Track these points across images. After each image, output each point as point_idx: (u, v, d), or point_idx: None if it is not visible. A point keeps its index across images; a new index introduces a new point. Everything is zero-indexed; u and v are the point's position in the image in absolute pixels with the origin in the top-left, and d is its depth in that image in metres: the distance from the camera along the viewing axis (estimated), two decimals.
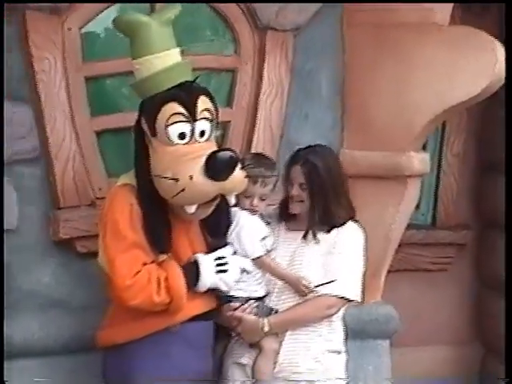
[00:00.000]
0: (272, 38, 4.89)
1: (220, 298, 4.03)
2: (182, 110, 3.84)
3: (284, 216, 4.27)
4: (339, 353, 4.20)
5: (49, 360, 4.49)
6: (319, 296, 4.03)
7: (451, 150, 6.84)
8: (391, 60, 4.98)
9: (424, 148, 6.44)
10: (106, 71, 4.66)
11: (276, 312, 4.05)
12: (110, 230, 3.99)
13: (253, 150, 4.87)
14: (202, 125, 3.87)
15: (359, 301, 4.21)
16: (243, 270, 4.12)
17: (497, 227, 6.76)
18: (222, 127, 4.88)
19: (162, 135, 3.85)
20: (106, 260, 4.02)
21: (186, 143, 3.86)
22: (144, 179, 3.94)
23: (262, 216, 4.24)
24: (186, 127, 3.85)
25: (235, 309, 4.00)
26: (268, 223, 4.22)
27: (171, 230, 4.01)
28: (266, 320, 3.96)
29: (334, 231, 4.12)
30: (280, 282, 4.09)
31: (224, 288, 4.07)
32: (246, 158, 4.18)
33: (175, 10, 4.02)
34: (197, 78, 4.08)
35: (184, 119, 3.84)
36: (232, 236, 4.07)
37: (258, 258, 4.03)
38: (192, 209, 3.90)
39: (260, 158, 4.26)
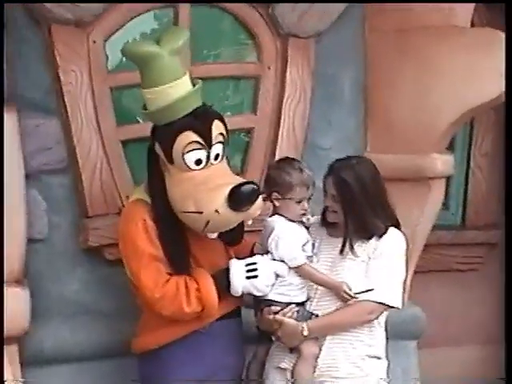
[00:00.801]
0: (294, 44, 4.88)
1: (261, 301, 4.05)
2: (197, 138, 3.92)
3: (325, 222, 4.21)
4: (379, 358, 4.15)
5: (79, 366, 4.54)
6: (359, 302, 3.98)
7: (479, 149, 6.87)
8: (412, 63, 5.00)
9: (452, 148, 6.52)
10: (130, 81, 4.61)
11: (316, 316, 4.01)
12: (129, 246, 4.09)
13: (277, 156, 4.87)
14: (217, 149, 3.98)
15: (399, 307, 4.15)
16: (277, 275, 4.09)
17: None
18: (245, 138, 4.99)
19: (179, 162, 3.94)
20: (131, 274, 4.11)
21: (203, 168, 3.96)
22: (159, 200, 4.03)
23: (302, 222, 4.22)
24: (202, 154, 3.95)
25: (276, 312, 3.98)
26: (307, 228, 4.21)
27: (189, 247, 4.09)
28: (305, 324, 3.92)
29: (374, 239, 4.06)
30: (321, 288, 4.05)
31: (256, 293, 4.09)
32: (295, 162, 4.19)
33: (184, 36, 4.06)
34: (211, 106, 4.14)
35: (200, 147, 3.93)
36: (271, 245, 4.05)
37: (299, 266, 4.00)
38: (214, 235, 4.08)
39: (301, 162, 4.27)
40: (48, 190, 4.52)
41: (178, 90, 3.94)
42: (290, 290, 4.05)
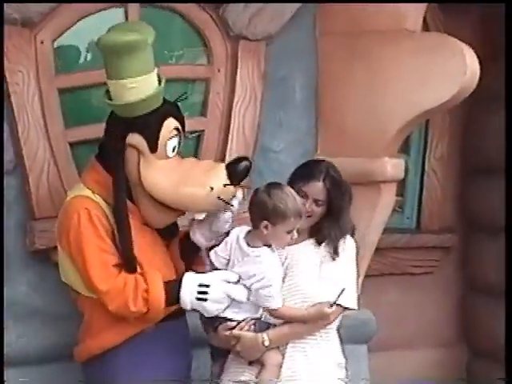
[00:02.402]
0: (244, 46, 4.93)
1: (214, 319, 3.95)
2: (178, 124, 4.04)
3: None
4: (340, 364, 4.14)
5: (28, 369, 4.48)
6: (317, 305, 3.93)
7: (434, 153, 6.96)
8: (363, 67, 5.04)
9: (407, 152, 6.60)
10: (79, 83, 4.68)
11: (274, 326, 3.95)
12: (73, 240, 4.02)
13: (227, 158, 4.84)
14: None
15: (356, 309, 4.16)
16: (232, 299, 4.01)
17: (482, 230, 6.96)
18: (195, 140, 5.00)
19: (161, 149, 3.98)
20: (80, 269, 4.04)
21: (175, 156, 4.05)
22: (120, 195, 4.00)
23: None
24: (176, 141, 4.05)
25: (232, 328, 3.90)
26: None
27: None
28: (265, 334, 3.88)
29: (324, 245, 4.05)
30: None
31: (205, 314, 4.04)
32: (286, 189, 3.93)
33: (152, 30, 4.07)
34: (184, 94, 4.26)
35: (178, 133, 4.05)
36: (254, 284, 3.85)
37: (275, 310, 3.87)
38: (201, 216, 4.21)
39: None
40: None
41: (153, 81, 4.01)
42: (245, 309, 3.95)
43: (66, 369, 4.51)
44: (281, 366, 3.91)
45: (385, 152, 5.10)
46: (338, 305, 3.91)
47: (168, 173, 4.00)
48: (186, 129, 4.77)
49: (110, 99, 4.06)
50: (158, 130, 3.96)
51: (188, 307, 4.03)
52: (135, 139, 3.96)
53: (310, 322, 3.91)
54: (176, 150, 4.08)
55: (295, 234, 3.88)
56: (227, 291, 3.99)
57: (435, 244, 6.92)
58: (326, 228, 4.02)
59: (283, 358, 3.94)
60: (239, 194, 4.10)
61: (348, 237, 4.10)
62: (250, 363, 3.93)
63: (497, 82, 5.89)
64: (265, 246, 3.89)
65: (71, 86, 4.70)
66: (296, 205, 3.81)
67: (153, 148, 3.96)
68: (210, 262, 4.05)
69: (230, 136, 4.95)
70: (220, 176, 3.99)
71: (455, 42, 4.86)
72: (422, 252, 6.88)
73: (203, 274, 4.07)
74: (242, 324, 3.89)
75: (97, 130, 4.52)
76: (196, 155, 4.94)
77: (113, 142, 4.05)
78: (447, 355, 6.96)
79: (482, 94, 5.15)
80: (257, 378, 3.92)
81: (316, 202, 3.97)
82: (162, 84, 4.07)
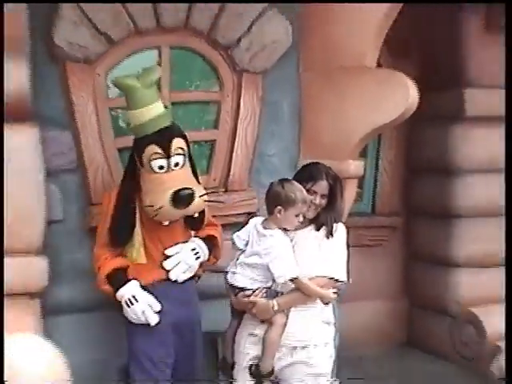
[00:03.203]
0: (247, 78, 4.91)
1: (235, 288, 3.91)
2: (159, 150, 3.95)
3: None
4: (329, 324, 4.05)
5: (85, 315, 4.59)
6: (316, 278, 3.86)
7: (386, 157, 7.00)
8: (334, 94, 4.99)
9: (365, 156, 6.63)
10: (124, 104, 4.46)
11: (281, 294, 3.87)
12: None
13: (233, 163, 4.95)
14: (176, 159, 3.99)
15: (346, 281, 4.02)
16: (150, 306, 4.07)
17: (420, 214, 7.00)
18: (209, 147, 5.01)
19: (146, 166, 3.98)
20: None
21: (165, 172, 3.98)
22: (127, 190, 4.10)
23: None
24: (163, 162, 3.96)
25: (249, 295, 3.87)
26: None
27: (133, 230, 4.14)
28: (275, 301, 3.80)
29: (323, 229, 3.96)
30: None
31: (125, 314, 4.08)
32: (295, 183, 3.92)
33: (156, 74, 4.09)
34: (174, 124, 4.14)
35: (161, 156, 3.95)
36: (269, 258, 3.80)
37: (295, 278, 3.78)
38: (166, 223, 4.10)
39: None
40: (63, 185, 4.56)
41: (150, 112, 3.97)
42: (259, 280, 3.89)
43: (106, 316, 4.56)
44: (285, 325, 3.85)
45: (349, 156, 5.07)
46: (331, 278, 3.87)
47: (145, 185, 4.03)
48: (204, 138, 4.98)
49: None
50: (141, 153, 3.99)
51: (119, 299, 4.06)
52: (135, 156, 4.07)
53: (313, 296, 3.86)
54: (165, 167, 4.00)
55: (301, 218, 3.84)
56: (144, 311, 4.02)
57: (385, 224, 6.96)
58: (324, 216, 3.94)
59: (287, 319, 3.86)
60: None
61: (340, 223, 4.03)
62: (262, 322, 3.88)
63: (432, 106, 5.93)
64: (278, 229, 3.85)
65: (118, 107, 4.71)
66: (302, 194, 3.80)
67: (141, 164, 4.01)
68: (233, 242, 3.99)
69: (235, 144, 4.94)
70: (163, 199, 3.94)
71: (401, 76, 4.84)
72: (376, 230, 6.91)
73: (141, 291, 4.06)
74: (257, 292, 3.84)
75: None
76: (210, 158, 4.99)
77: (130, 157, 4.18)
78: (394, 305, 7.00)
79: (420, 114, 5.11)
80: (266, 333, 3.87)
81: (322, 196, 3.92)
82: (146, 118, 4.01)
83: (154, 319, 4.04)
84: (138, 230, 4.14)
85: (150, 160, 3.96)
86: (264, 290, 3.85)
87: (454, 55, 6.35)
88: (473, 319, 6.20)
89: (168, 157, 3.96)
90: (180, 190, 3.91)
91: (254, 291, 3.86)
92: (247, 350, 3.98)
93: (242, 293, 3.89)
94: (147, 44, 4.70)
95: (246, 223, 4.03)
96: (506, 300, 4.26)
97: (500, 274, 6.31)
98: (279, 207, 3.80)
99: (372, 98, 4.87)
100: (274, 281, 3.83)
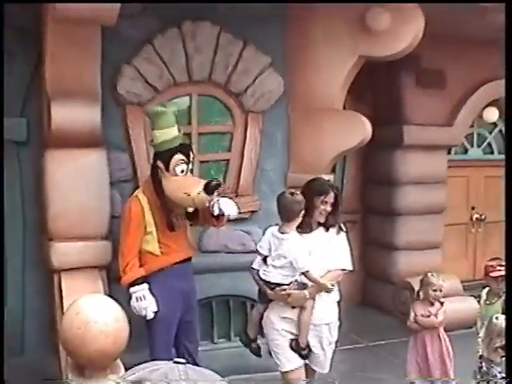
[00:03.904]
0: (251, 116, 4.89)
1: (271, 284, 3.64)
2: (183, 157, 3.86)
3: (304, 228, 3.69)
4: (336, 301, 3.84)
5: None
6: (333, 271, 3.69)
7: (349, 172, 6.92)
8: (313, 127, 4.96)
9: (334, 172, 6.53)
10: None
11: (305, 284, 3.62)
12: (121, 222, 4.00)
13: (242, 176, 4.86)
14: (191, 165, 3.92)
15: (352, 269, 3.84)
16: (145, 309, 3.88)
17: (372, 212, 6.89)
18: (225, 164, 4.92)
19: (172, 171, 3.84)
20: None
21: (184, 174, 3.86)
22: (158, 192, 3.90)
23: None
24: (184, 167, 3.86)
25: (285, 289, 3.61)
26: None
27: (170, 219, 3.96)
28: (306, 291, 3.58)
29: (331, 229, 3.76)
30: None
31: (132, 304, 3.85)
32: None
33: (175, 107, 3.97)
34: (190, 142, 4.15)
35: (183, 162, 3.86)
36: (292, 256, 3.55)
37: (307, 271, 3.57)
38: (190, 210, 3.99)
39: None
40: (122, 191, 4.54)
41: (173, 132, 3.86)
42: (290, 276, 3.62)
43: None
44: (313, 308, 3.66)
45: (323, 171, 4.90)
46: (344, 269, 3.74)
47: (173, 183, 3.85)
48: (221, 158, 4.84)
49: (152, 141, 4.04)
50: (169, 160, 3.83)
51: (132, 294, 3.88)
52: (159, 163, 3.90)
53: (320, 286, 3.62)
54: (185, 171, 3.87)
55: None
56: (146, 308, 3.87)
57: (348, 219, 6.52)
58: (332, 219, 3.73)
59: (314, 303, 3.67)
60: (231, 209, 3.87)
61: (341, 225, 3.86)
62: (293, 307, 3.66)
63: (380, 137, 5.78)
64: (293, 232, 3.61)
65: None
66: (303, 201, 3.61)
67: (167, 169, 3.86)
68: (257, 250, 3.74)
69: (243, 162, 4.92)
70: (197, 188, 3.76)
71: (360, 116, 4.89)
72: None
73: (148, 293, 3.90)
74: (291, 286, 3.61)
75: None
76: (225, 173, 4.91)
77: (152, 165, 3.99)
78: (354, 276, 6.84)
79: (373, 142, 5.04)
80: (299, 316, 3.67)
81: (331, 204, 3.70)
82: (171, 136, 3.84)
83: (150, 315, 3.90)
84: (153, 229, 3.96)
85: (176, 166, 3.84)
86: (296, 284, 3.62)
87: (396, 102, 6.36)
88: (408, 286, 6.22)
89: (187, 163, 3.90)
90: (210, 181, 3.81)
91: (288, 285, 3.62)
92: (284, 328, 3.73)
93: (279, 287, 3.63)
94: (182, 92, 4.71)
95: (263, 234, 3.77)
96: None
97: (427, 255, 6.49)
98: (303, 211, 3.59)
99: (340, 131, 4.87)
100: (299, 274, 3.62)
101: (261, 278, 3.71)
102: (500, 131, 7.33)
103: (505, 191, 3.79)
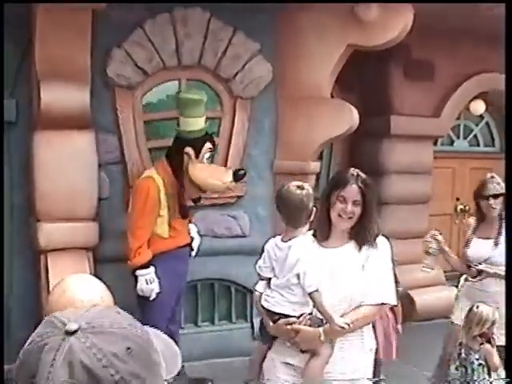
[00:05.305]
0: (239, 102, 4.91)
1: (274, 314, 2.68)
2: (211, 146, 4.16)
3: (320, 235, 2.65)
4: (371, 350, 2.74)
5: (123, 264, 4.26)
6: (364, 306, 2.58)
7: (335, 160, 6.89)
8: (300, 115, 4.99)
9: (321, 159, 6.58)
10: (153, 117, 4.72)
11: (322, 321, 2.61)
12: (134, 203, 4.06)
13: (229, 161, 4.86)
14: (213, 153, 4.25)
15: (396, 304, 2.85)
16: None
17: None
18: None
19: (200, 158, 4.07)
20: (129, 219, 4.11)
21: (209, 162, 4.16)
22: (180, 176, 4.08)
23: None
24: (209, 154, 4.16)
25: (292, 323, 2.63)
26: None
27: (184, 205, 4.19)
28: (321, 329, 2.58)
29: (365, 248, 2.60)
30: (326, 295, 2.58)
31: (139, 286, 3.97)
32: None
33: (205, 94, 4.21)
34: (213, 133, 4.34)
35: (211, 150, 4.16)
36: (298, 266, 2.57)
37: (311, 292, 2.55)
38: (216, 194, 4.38)
39: None
40: (110, 173, 4.60)
41: (202, 121, 4.11)
42: (301, 305, 2.64)
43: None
44: (330, 357, 2.62)
45: (310, 158, 5.11)
46: (382, 303, 2.65)
47: (203, 170, 4.06)
48: None
49: (178, 126, 4.18)
50: (201, 147, 4.06)
51: (139, 277, 3.98)
52: (188, 150, 4.06)
53: (327, 319, 2.58)
54: (209, 159, 4.18)
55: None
56: (152, 290, 3.99)
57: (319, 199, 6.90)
58: (362, 230, 2.60)
59: (332, 350, 2.63)
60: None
61: (380, 237, 2.67)
62: (302, 351, 2.68)
63: (368, 127, 5.80)
64: (295, 238, 2.63)
65: (150, 119, 4.76)
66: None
67: (197, 156, 4.05)
68: (259, 275, 2.78)
69: (231, 147, 4.95)
70: (228, 176, 4.08)
71: (347, 104, 4.95)
72: None
73: (155, 277, 4.01)
74: (301, 319, 2.62)
75: (162, 143, 4.60)
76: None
77: (177, 150, 4.12)
78: None
79: (360, 132, 5.16)
80: (307, 364, 2.64)
81: (354, 203, 2.56)
82: (206, 123, 4.15)
83: (153, 297, 4.04)
84: (165, 212, 4.08)
85: (204, 153, 4.08)
86: (308, 317, 2.65)
87: (384, 92, 6.39)
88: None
89: (212, 151, 4.19)
90: (238, 170, 4.15)
91: (297, 317, 2.65)
92: (287, 380, 2.72)
93: (284, 319, 2.66)
94: (171, 77, 4.74)
95: (262, 251, 2.79)
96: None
97: (411, 244, 6.56)
98: (313, 211, 2.66)
99: (327, 118, 4.92)
100: (314, 305, 2.63)
101: (263, 306, 2.76)
102: (486, 124, 7.46)
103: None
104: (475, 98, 6.86)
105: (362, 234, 2.61)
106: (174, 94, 4.74)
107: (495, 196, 3.96)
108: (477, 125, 7.40)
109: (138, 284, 4.00)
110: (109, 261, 4.43)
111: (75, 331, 0.85)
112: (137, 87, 4.57)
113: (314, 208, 2.64)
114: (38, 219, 4.29)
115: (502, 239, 3.95)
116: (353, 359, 2.66)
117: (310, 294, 2.57)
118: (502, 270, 3.82)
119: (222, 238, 4.95)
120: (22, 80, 4.45)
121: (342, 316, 2.56)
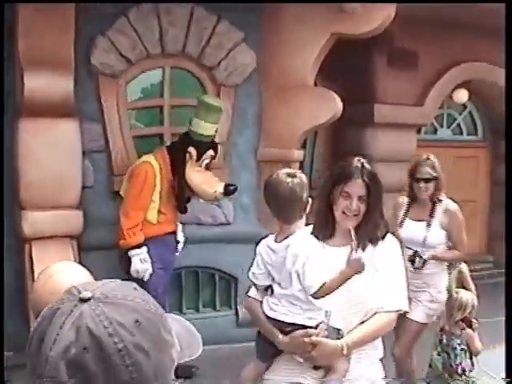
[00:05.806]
0: (224, 90, 4.92)
1: (287, 325, 2.25)
2: (213, 153, 4.29)
3: (323, 234, 2.32)
4: (381, 359, 2.43)
5: (108, 252, 4.44)
6: (383, 314, 2.28)
7: (318, 149, 7.01)
8: (284, 103, 5.01)
9: (305, 147, 6.48)
10: (137, 106, 4.77)
11: (339, 330, 2.24)
12: (131, 184, 4.16)
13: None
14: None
15: (407, 310, 2.46)
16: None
17: None
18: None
19: (200, 162, 4.20)
20: (124, 198, 4.23)
21: (206, 168, 4.26)
22: (176, 173, 4.21)
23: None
24: (208, 161, 4.27)
25: (309, 334, 2.21)
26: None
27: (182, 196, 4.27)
28: (344, 342, 2.21)
29: (371, 247, 2.29)
30: (337, 301, 2.21)
31: (132, 267, 4.04)
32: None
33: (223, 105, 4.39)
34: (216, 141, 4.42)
35: (212, 158, 4.29)
36: (299, 270, 2.18)
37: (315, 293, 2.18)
38: (202, 201, 4.42)
39: None
40: (94, 161, 4.62)
41: (214, 129, 4.26)
42: (318, 314, 2.24)
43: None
44: (347, 371, 2.28)
45: (294, 146, 5.14)
46: (398, 310, 2.34)
47: (199, 174, 4.19)
48: None
49: (190, 124, 4.26)
50: (204, 152, 4.18)
51: (134, 257, 4.07)
52: (192, 150, 4.18)
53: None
54: (206, 165, 4.25)
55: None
56: (147, 269, 4.09)
57: (316, 194, 7.00)
58: (368, 228, 2.29)
59: (349, 364, 2.28)
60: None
61: (389, 235, 2.38)
62: (316, 368, 2.30)
63: (351, 115, 5.77)
64: (291, 236, 2.25)
65: (134, 107, 4.79)
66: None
67: (198, 159, 4.17)
68: (254, 284, 2.39)
69: (215, 136, 4.58)
70: (220, 187, 4.16)
71: (330, 92, 4.99)
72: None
73: (148, 257, 4.11)
74: (317, 331, 2.22)
75: (147, 131, 4.67)
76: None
77: (181, 146, 4.22)
78: None
79: (343, 120, 5.18)
80: (322, 380, 2.29)
81: (360, 199, 2.25)
82: (216, 132, 4.28)
83: (147, 278, 4.13)
84: (157, 198, 4.19)
85: (205, 158, 4.20)
86: (325, 327, 2.24)
87: (367, 81, 6.47)
88: None
89: (213, 159, 4.32)
90: (229, 184, 4.21)
91: (314, 328, 2.24)
92: None
93: (301, 331, 2.24)
94: (155, 65, 4.76)
95: (255, 254, 2.38)
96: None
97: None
98: (309, 202, 2.28)
99: (311, 106, 4.96)
100: (325, 312, 2.25)
101: (267, 316, 2.34)
102: (469, 113, 7.54)
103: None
104: (458, 86, 6.93)
105: (369, 232, 2.30)
106: (158, 81, 4.75)
107: (426, 180, 3.86)
108: (460, 114, 7.48)
109: (132, 264, 4.08)
110: (93, 249, 4.46)
111: (88, 299, 0.89)
112: (121, 75, 4.58)
113: (310, 199, 2.26)
114: (22, 207, 4.30)
115: (435, 221, 3.87)
116: (368, 371, 2.37)
117: (313, 295, 2.21)
118: (438, 252, 3.85)
119: (206, 225, 4.99)
120: (5, 69, 4.42)
121: (361, 323, 2.28)
